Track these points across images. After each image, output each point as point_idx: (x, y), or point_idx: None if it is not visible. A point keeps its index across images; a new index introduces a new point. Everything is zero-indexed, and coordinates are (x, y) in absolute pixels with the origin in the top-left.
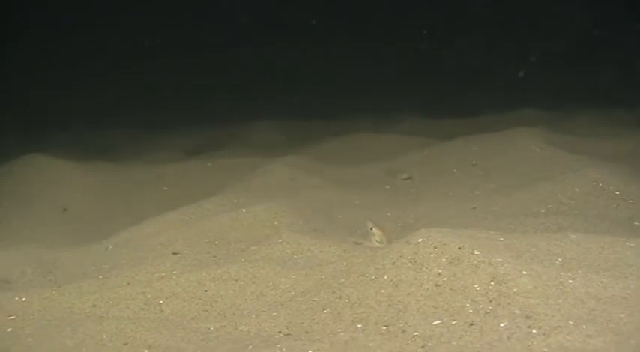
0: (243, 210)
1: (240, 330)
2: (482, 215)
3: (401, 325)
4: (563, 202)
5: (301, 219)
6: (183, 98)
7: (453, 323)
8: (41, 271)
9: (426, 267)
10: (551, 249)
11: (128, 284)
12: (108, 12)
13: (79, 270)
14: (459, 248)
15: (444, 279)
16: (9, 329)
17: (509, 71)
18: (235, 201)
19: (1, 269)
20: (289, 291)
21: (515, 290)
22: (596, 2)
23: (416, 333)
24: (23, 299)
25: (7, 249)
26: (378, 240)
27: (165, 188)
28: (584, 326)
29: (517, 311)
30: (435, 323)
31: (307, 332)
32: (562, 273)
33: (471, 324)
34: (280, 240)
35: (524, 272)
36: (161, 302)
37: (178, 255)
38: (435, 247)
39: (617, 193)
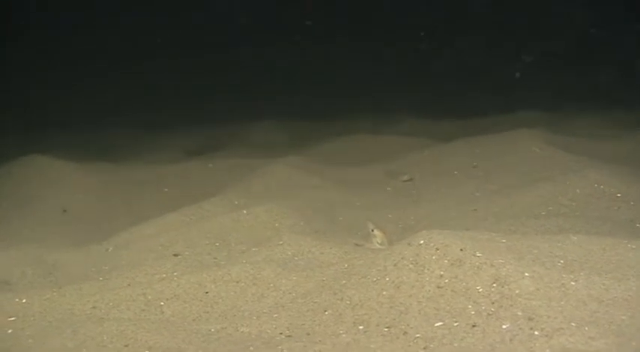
0: (244, 212)
1: (241, 332)
2: (483, 216)
3: (403, 327)
4: (564, 204)
5: (302, 220)
6: (184, 98)
7: (455, 324)
8: (41, 272)
9: (428, 269)
10: (553, 250)
11: (129, 285)
12: (108, 12)
13: (80, 271)
14: (461, 249)
15: (446, 281)
16: (9, 331)
17: (510, 72)
18: (236, 202)
19: (1, 270)
20: (290, 293)
21: (517, 291)
22: (596, 2)
23: (418, 335)
24: (23, 300)
25: (7, 249)
26: (379, 241)
27: (166, 189)
28: (586, 328)
29: (519, 313)
30: (437, 324)
31: (309, 334)
32: (564, 275)
33: (473, 326)
34: (281, 242)
35: (527, 274)
36: (162, 303)
37: (179, 257)
38: (437, 249)
39: (619, 195)
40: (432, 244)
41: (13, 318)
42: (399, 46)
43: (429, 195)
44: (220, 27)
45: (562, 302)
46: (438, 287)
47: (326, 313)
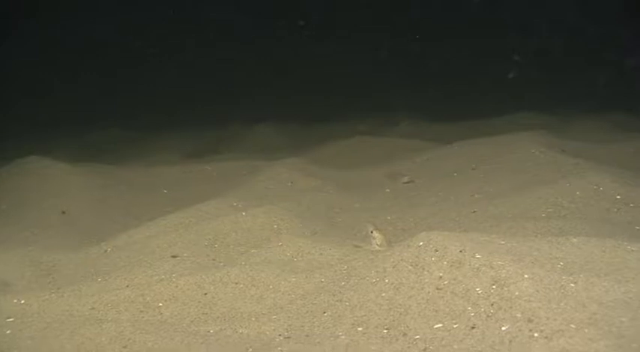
0: (243, 213)
1: (240, 333)
2: (482, 218)
3: (402, 328)
4: (564, 206)
5: (301, 222)
6: (183, 100)
7: (455, 326)
8: (40, 273)
9: (427, 271)
10: (553, 252)
11: (127, 287)
12: (107, 12)
13: (78, 273)
14: (460, 251)
15: (445, 283)
16: (8, 331)
17: (509, 73)
18: (235, 204)
19: (0, 271)
20: (289, 294)
21: (516, 293)
22: (596, 4)
23: (417, 337)
24: (22, 301)
25: (6, 251)
26: (379, 243)
27: (165, 191)
28: (586, 330)
29: (519, 315)
30: (436, 326)
31: (307, 336)
32: (564, 277)
33: (473, 328)
34: (280, 243)
35: (526, 276)
36: (160, 305)
37: (178, 258)
38: (436, 250)
39: (618, 197)
40: (431, 246)
41: (11, 319)
42: (399, 48)
43: (428, 197)
44: (220, 27)
45: (562, 304)
46: (438, 288)
47: (325, 314)
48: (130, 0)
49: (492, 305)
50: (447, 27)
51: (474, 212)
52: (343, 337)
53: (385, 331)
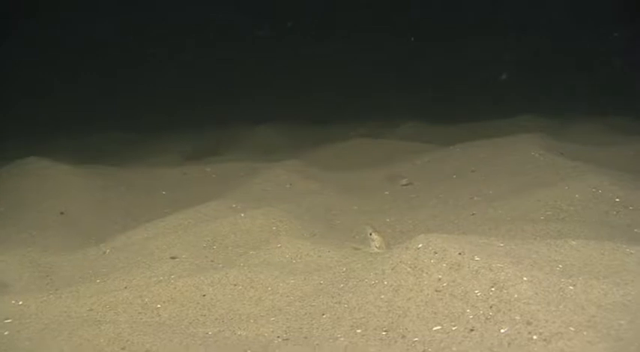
0: (242, 215)
1: (239, 335)
2: (481, 221)
3: (401, 330)
4: (563, 208)
5: (300, 223)
6: (182, 102)
7: (453, 328)
8: (38, 274)
9: (426, 273)
10: (552, 255)
11: (125, 288)
12: (107, 12)
13: (76, 274)
14: (459, 253)
15: (444, 285)
16: (5, 333)
17: (509, 76)
18: (234, 205)
19: None
20: (288, 296)
21: (515, 296)
22: (596, 4)
23: (416, 339)
24: (20, 302)
25: (5, 252)
26: (378, 245)
27: (164, 192)
28: (584, 333)
29: (518, 318)
30: (435, 328)
31: (306, 338)
32: (563, 280)
33: (471, 330)
34: (279, 245)
35: (525, 279)
36: (159, 306)
37: (176, 260)
38: (435, 252)
39: (617, 200)
40: (430, 248)
41: (9, 320)
42: (399, 49)
43: (427, 200)
44: (220, 27)
45: (560, 307)
46: (437, 291)
47: (324, 316)
48: (129, 0)
49: (491, 307)
50: (447, 27)
51: (473, 214)
52: (342, 339)
53: (384, 333)
